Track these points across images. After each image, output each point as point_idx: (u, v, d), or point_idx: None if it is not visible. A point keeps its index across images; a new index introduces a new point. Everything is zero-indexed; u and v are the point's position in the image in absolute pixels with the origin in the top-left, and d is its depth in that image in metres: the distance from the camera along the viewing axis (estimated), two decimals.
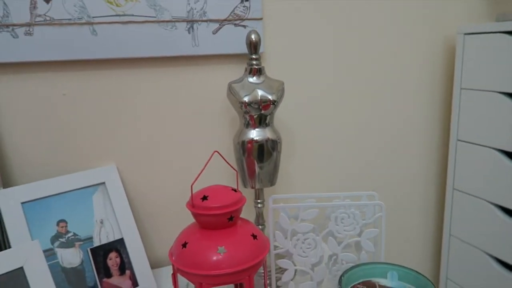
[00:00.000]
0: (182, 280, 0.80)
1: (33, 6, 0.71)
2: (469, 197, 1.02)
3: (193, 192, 0.59)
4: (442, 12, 1.03)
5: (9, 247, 0.72)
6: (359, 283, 0.61)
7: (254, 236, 0.58)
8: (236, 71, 0.87)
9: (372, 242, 0.69)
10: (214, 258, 0.54)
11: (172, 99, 0.84)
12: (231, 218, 0.57)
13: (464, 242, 1.04)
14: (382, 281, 0.62)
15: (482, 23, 1.02)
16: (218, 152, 0.58)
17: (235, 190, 0.59)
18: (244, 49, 0.85)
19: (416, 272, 0.61)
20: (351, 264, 0.69)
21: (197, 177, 0.56)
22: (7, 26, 0.70)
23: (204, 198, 0.57)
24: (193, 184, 0.56)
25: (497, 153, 0.94)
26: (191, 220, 0.60)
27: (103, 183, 0.80)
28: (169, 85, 0.84)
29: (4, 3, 0.69)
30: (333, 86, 0.96)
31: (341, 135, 1.00)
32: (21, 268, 0.60)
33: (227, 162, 0.62)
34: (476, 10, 1.06)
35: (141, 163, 0.85)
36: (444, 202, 1.11)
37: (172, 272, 0.61)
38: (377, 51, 0.98)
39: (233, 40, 0.84)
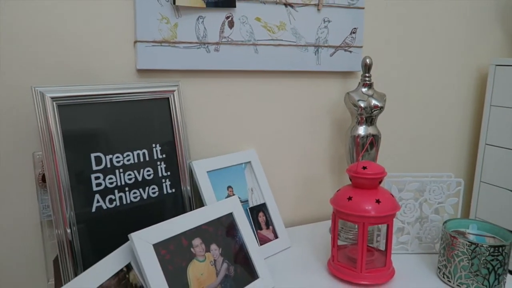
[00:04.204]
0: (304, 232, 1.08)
1: (221, 30, 0.98)
2: (493, 187, 1.35)
3: (352, 165, 0.88)
4: (477, 46, 1.38)
5: (194, 203, 0.98)
6: (452, 231, 0.92)
7: (392, 195, 0.88)
8: (343, 84, 1.17)
9: (452, 207, 1.00)
10: (374, 206, 0.83)
11: (298, 102, 1.13)
12: (380, 182, 0.87)
13: None
14: (467, 230, 0.92)
15: (510, 58, 1.37)
16: (373, 139, 0.87)
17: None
18: (348, 68, 1.15)
19: (490, 223, 0.92)
20: (437, 223, 1.00)
21: (361, 155, 0.85)
22: (204, 44, 0.97)
23: (364, 167, 0.86)
24: (358, 159, 0.85)
25: None
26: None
27: (249, 162, 1.07)
28: (298, 91, 1.13)
29: (205, 28, 0.96)
30: (401, 95, 1.28)
31: (399, 131, 1.32)
32: (231, 213, 0.86)
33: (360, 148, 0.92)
34: (504, 46, 1.41)
35: (271, 149, 1.13)
36: (472, 193, 1.44)
37: (331, 219, 0.89)
38: (430, 74, 1.32)
39: (342, 62, 1.14)
